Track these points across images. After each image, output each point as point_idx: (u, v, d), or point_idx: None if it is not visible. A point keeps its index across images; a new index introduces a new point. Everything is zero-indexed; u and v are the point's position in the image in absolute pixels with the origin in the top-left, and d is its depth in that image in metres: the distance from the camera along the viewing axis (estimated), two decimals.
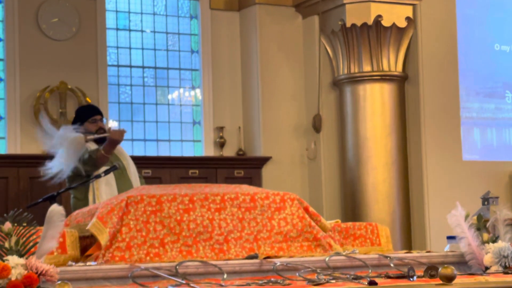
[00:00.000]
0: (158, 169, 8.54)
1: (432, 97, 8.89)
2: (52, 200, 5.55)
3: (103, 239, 3.94)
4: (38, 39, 8.64)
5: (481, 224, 4.26)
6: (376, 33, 8.78)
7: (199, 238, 4.11)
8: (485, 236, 4.21)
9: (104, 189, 5.84)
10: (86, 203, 5.71)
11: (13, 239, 3.08)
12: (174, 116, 9.43)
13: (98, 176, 5.78)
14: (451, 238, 4.56)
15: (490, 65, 9.62)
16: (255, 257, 3.96)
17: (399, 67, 8.94)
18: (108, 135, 5.86)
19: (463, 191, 8.65)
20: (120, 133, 5.88)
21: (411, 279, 3.41)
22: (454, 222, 4.25)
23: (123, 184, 5.84)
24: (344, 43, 8.93)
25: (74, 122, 6.22)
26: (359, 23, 8.76)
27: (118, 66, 9.19)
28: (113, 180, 5.92)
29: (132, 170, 6.12)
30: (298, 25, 9.45)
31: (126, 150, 6.28)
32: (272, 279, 3.37)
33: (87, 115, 6.14)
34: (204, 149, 9.40)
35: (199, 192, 4.27)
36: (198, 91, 9.54)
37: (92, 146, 5.94)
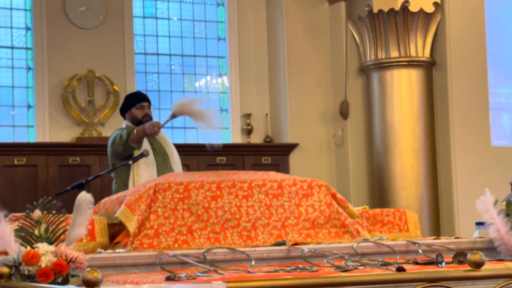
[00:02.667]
0: (185, 156, 8.53)
1: (460, 83, 8.83)
2: (80, 187, 5.61)
3: (132, 226, 3.96)
4: (65, 28, 8.69)
5: (510, 210, 4.24)
6: (403, 18, 8.72)
7: (227, 225, 4.12)
8: None
9: (144, 176, 5.91)
10: (127, 189, 5.76)
11: (43, 226, 3.11)
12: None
13: (127, 164, 5.84)
14: (479, 224, 4.54)
15: None
16: (282, 243, 3.97)
17: (427, 53, 8.88)
18: (145, 126, 5.96)
19: (492, 176, 8.59)
20: (154, 130, 5.97)
21: (440, 265, 3.40)
22: (483, 208, 4.23)
23: (164, 172, 5.87)
24: (371, 29, 8.88)
25: (122, 107, 6.35)
26: (386, 9, 8.71)
27: (145, 54, 9.22)
28: (155, 168, 6.00)
29: (175, 159, 6.20)
30: (325, 11, 9.42)
31: None
32: (300, 266, 3.37)
33: (135, 101, 6.26)
34: (232, 136, 9.42)
35: (226, 179, 4.28)
36: (225, 78, 9.55)
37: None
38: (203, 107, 5.90)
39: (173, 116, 6.04)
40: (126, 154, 5.99)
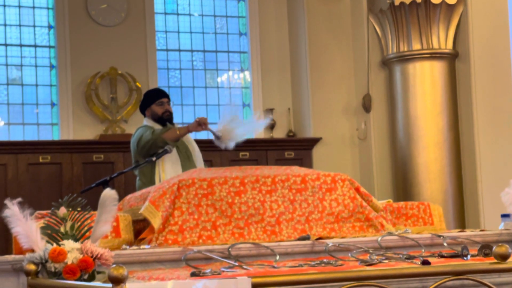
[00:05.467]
0: (208, 152, 8.57)
1: (483, 74, 8.77)
2: (105, 184, 5.64)
3: (156, 222, 3.98)
4: (87, 25, 8.73)
5: None
6: (425, 10, 8.68)
7: (250, 220, 4.13)
8: None
9: (170, 172, 5.95)
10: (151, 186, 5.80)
11: (68, 223, 3.13)
12: (224, 99, 9.46)
13: (150, 161, 5.87)
14: (505, 216, 4.52)
15: None
16: (307, 238, 3.97)
17: (449, 45, 8.83)
18: (190, 125, 6.09)
19: None
20: (199, 126, 6.09)
21: (465, 258, 3.39)
22: (508, 200, 4.21)
23: (188, 169, 5.92)
24: (393, 22, 8.85)
25: (141, 105, 6.43)
26: (407, 1, 8.67)
27: (167, 50, 9.24)
28: (179, 165, 6.05)
29: (197, 156, 6.25)
30: (346, 5, 9.39)
31: None
32: (325, 260, 3.37)
33: (155, 98, 6.35)
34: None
35: (250, 174, 4.29)
36: (247, 73, 9.55)
37: (156, 126, 6.16)
38: (238, 128, 6.09)
39: (216, 137, 6.16)
40: (153, 152, 6.03)
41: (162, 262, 3.61)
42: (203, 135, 9.14)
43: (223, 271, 3.06)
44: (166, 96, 6.40)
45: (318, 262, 3.34)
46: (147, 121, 6.32)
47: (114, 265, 2.36)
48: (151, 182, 5.94)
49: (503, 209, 4.46)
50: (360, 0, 9.19)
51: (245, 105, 9.50)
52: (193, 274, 2.98)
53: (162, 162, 5.99)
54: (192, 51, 9.37)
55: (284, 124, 9.44)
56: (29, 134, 8.56)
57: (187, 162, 6.09)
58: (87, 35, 8.71)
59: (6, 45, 8.59)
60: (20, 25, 8.67)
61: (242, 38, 9.59)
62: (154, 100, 6.32)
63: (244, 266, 3.22)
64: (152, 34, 9.05)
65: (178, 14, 9.35)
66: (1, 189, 7.94)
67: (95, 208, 3.19)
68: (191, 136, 6.44)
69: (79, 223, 3.13)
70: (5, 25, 8.60)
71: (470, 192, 8.72)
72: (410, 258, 3.40)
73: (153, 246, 3.85)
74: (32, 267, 3.02)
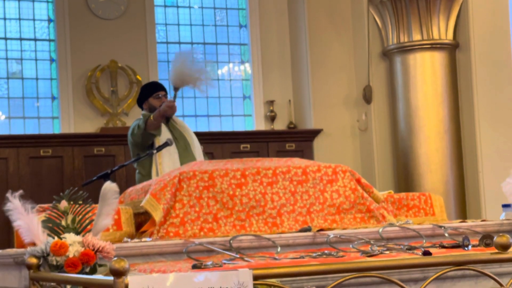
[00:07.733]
0: (209, 144, 8.58)
1: (483, 64, 8.76)
2: (106, 177, 5.65)
3: (157, 215, 3.98)
4: (87, 19, 8.72)
5: None
6: (425, 1, 8.66)
7: (252, 212, 4.13)
8: None
9: (167, 164, 5.96)
10: (150, 179, 5.81)
11: (70, 217, 3.13)
12: (224, 91, 9.45)
13: (151, 154, 5.88)
14: (506, 206, 4.52)
15: None
16: (308, 230, 3.98)
17: (450, 35, 8.82)
18: (159, 108, 6.08)
19: None
20: (170, 108, 6.09)
21: (466, 248, 3.39)
22: (509, 190, 4.21)
23: (186, 160, 5.94)
24: (393, 12, 8.83)
25: (139, 98, 6.45)
26: None
27: (167, 43, 9.23)
28: (177, 156, 6.05)
29: (196, 146, 6.26)
30: None
31: None
32: (326, 251, 3.37)
33: (151, 91, 6.37)
34: (255, 123, 9.42)
35: (251, 166, 4.29)
36: (247, 65, 9.54)
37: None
38: (195, 68, 6.13)
39: (176, 89, 6.25)
40: (147, 143, 6.04)
41: (164, 254, 3.62)
42: (204, 127, 9.16)
43: (225, 263, 3.06)
44: (163, 89, 6.42)
45: (319, 253, 3.34)
46: (143, 114, 6.35)
47: (115, 258, 2.37)
48: (150, 174, 5.96)
49: (504, 199, 4.46)
50: None
51: (246, 97, 9.50)
52: (194, 267, 2.98)
53: (159, 154, 6.00)
54: (192, 43, 9.37)
55: (285, 116, 9.43)
56: (30, 128, 8.57)
57: (185, 152, 6.10)
58: (87, 28, 8.70)
59: (6, 39, 8.58)
60: (19, 19, 8.66)
61: (242, 30, 9.58)
62: (151, 94, 6.34)
63: (246, 258, 3.23)
64: (152, 27, 9.04)
65: (178, 7, 9.34)
66: (3, 183, 7.95)
67: (96, 201, 3.20)
68: (190, 128, 6.45)
69: (80, 216, 3.13)
70: (4, 18, 8.60)
71: (471, 183, 8.72)
72: (411, 249, 3.40)
73: (155, 238, 3.85)
74: (33, 260, 3.02)
